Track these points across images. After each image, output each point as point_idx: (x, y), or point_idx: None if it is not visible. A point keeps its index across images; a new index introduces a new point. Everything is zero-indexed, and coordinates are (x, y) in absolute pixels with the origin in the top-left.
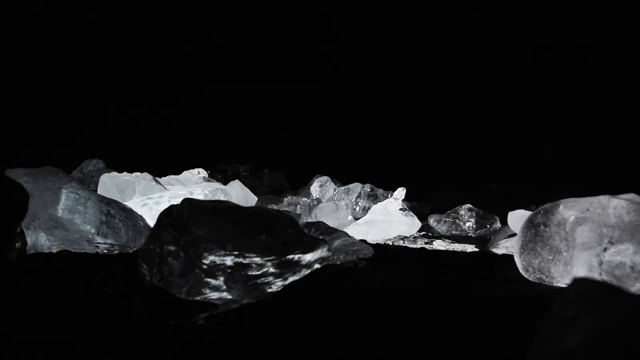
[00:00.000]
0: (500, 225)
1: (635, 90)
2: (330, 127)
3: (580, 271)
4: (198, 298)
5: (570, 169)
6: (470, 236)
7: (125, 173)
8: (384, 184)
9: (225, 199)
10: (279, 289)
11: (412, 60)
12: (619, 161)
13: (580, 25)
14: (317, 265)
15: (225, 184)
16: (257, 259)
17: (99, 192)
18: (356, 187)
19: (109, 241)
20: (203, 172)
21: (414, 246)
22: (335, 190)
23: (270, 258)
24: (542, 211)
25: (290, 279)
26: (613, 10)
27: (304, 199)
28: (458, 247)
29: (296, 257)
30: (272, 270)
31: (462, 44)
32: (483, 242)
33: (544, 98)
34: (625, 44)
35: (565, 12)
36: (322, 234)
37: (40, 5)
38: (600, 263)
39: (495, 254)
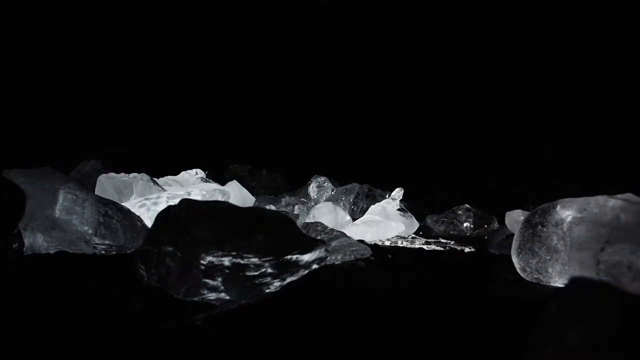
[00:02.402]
0: (497, 226)
1: (634, 90)
2: (328, 128)
3: (578, 271)
4: (196, 299)
5: (568, 169)
6: (468, 236)
7: (122, 174)
8: (382, 184)
9: (223, 200)
10: (277, 289)
11: (411, 60)
12: (617, 161)
13: (578, 26)
14: (315, 266)
15: (223, 184)
16: (255, 260)
17: (96, 192)
18: (354, 187)
19: (107, 242)
20: (201, 173)
21: (412, 246)
22: (333, 191)
23: (268, 258)
24: (539, 211)
25: (288, 280)
26: (612, 11)
27: (302, 199)
28: (456, 247)
29: (294, 257)
30: (270, 270)
31: (462, 43)
32: (481, 242)
33: (542, 98)
34: (625, 43)
35: (562, 12)
36: (320, 234)
37: (38, 4)
38: (598, 263)
39: (493, 254)
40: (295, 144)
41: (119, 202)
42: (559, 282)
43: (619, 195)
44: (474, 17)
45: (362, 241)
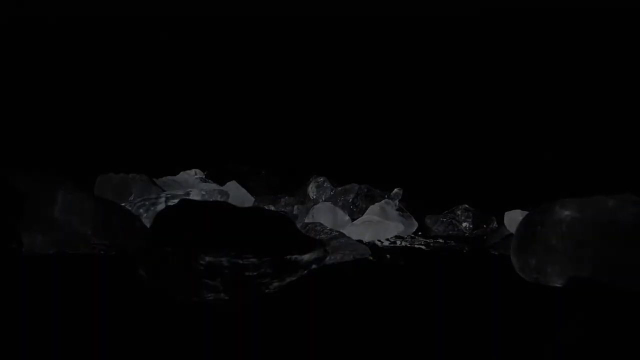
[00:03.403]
0: (496, 226)
1: (633, 90)
2: (327, 128)
3: (577, 271)
4: (195, 299)
5: (566, 169)
6: (467, 236)
7: (122, 174)
8: (381, 185)
9: (222, 200)
10: (276, 289)
11: (409, 58)
12: (616, 161)
13: (577, 26)
14: (314, 266)
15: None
16: (254, 260)
17: (95, 193)
18: (353, 187)
19: (106, 242)
20: (200, 173)
21: (411, 246)
22: (332, 191)
23: (267, 259)
24: (538, 211)
25: (288, 280)
26: (612, 11)
27: (301, 199)
28: (455, 247)
29: (293, 257)
30: (269, 270)
31: (461, 42)
32: (480, 242)
33: (541, 97)
34: (625, 42)
35: (560, 12)
36: (319, 234)
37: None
38: (597, 263)
39: (492, 254)
40: (295, 143)
41: (118, 203)
42: (557, 282)
43: (617, 195)
44: (474, 16)
45: (360, 241)
